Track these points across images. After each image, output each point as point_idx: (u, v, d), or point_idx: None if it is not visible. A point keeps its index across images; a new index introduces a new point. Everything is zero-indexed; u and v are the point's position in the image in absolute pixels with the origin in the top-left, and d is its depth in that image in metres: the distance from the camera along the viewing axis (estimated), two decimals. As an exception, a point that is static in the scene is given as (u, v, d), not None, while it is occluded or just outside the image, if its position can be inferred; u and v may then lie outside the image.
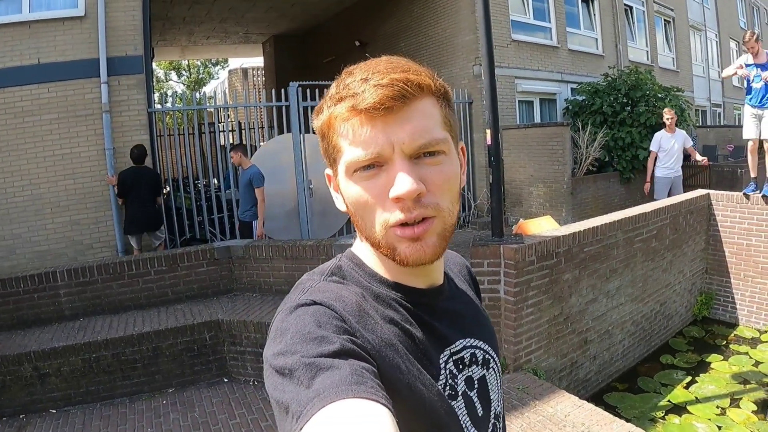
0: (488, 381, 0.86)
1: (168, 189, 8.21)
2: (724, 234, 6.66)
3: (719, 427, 4.43)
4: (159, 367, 4.70)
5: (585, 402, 3.81)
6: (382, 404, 0.59)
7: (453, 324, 0.84)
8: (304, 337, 0.66)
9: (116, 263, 5.32)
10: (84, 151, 6.71)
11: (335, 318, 0.71)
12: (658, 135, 7.88)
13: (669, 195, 7.65)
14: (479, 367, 0.85)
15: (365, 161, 0.71)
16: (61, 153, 6.62)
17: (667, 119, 7.68)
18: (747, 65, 6.13)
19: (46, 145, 6.56)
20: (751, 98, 6.17)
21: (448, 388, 0.79)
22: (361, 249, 0.84)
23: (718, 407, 4.74)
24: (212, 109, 9.07)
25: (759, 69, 6.00)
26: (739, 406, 4.74)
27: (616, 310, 5.44)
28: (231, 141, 8.49)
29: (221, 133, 8.97)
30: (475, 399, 0.83)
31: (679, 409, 4.80)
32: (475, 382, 0.84)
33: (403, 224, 0.72)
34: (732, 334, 6.34)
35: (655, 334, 6.07)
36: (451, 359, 0.81)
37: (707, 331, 6.49)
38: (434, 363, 0.78)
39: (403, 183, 0.69)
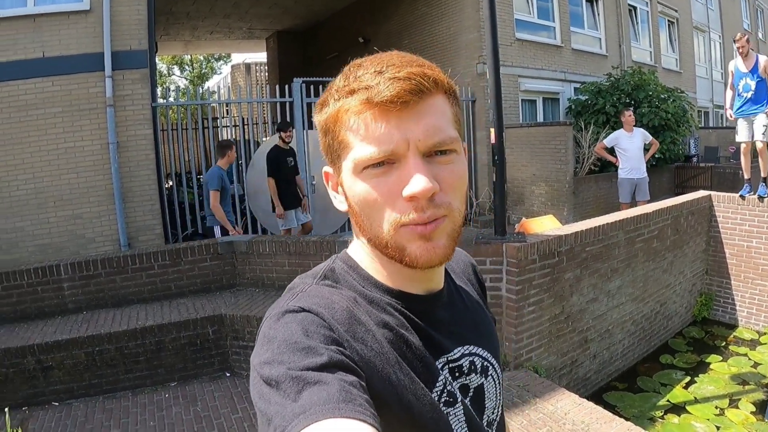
0: (485, 389, 0.84)
1: (171, 183, 8.23)
2: (724, 235, 6.67)
3: (718, 428, 4.46)
4: (162, 361, 4.71)
5: (585, 400, 3.83)
6: (370, 424, 0.57)
7: (451, 332, 0.81)
8: (291, 346, 0.64)
9: (119, 257, 5.33)
10: (87, 145, 6.73)
11: (323, 326, 0.68)
12: (617, 132, 7.73)
13: (634, 198, 7.51)
14: (477, 375, 0.83)
15: (378, 158, 0.68)
16: (65, 147, 6.64)
17: (627, 116, 7.50)
18: (737, 74, 6.18)
19: (50, 138, 6.57)
20: (740, 107, 6.27)
21: (445, 394, 0.76)
22: (356, 251, 0.81)
23: (716, 408, 4.76)
24: (215, 104, 9.08)
25: (747, 78, 6.07)
26: (737, 407, 4.76)
27: (617, 309, 5.45)
28: (234, 136, 8.50)
29: (224, 128, 8.99)
30: (468, 406, 0.80)
31: (678, 408, 4.82)
32: (471, 390, 0.81)
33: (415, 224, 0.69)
34: (731, 336, 6.35)
35: (654, 334, 6.09)
36: (447, 367, 0.79)
37: (707, 332, 6.51)
38: (431, 368, 0.76)
39: (419, 181, 0.66)
